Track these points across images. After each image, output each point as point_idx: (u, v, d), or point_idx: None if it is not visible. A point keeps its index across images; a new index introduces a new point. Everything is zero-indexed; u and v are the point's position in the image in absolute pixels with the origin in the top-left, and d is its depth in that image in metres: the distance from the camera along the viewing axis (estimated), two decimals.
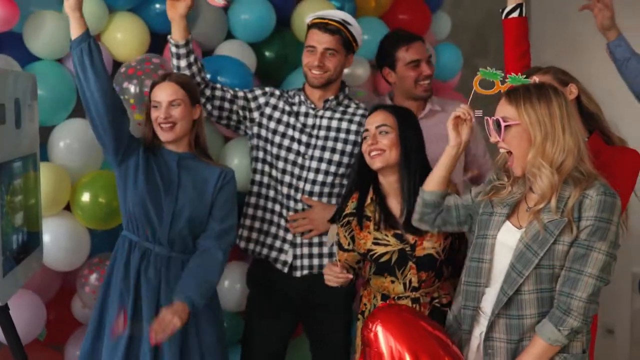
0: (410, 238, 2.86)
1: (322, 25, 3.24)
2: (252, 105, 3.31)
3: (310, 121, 3.31)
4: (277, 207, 3.32)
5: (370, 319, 2.49)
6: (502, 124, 2.38)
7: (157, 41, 3.53)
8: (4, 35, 3.20)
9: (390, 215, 2.91)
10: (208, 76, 3.35)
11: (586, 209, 2.32)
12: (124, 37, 3.40)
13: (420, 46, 3.59)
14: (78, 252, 3.28)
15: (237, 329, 3.74)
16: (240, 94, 3.29)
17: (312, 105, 3.32)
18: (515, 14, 3.10)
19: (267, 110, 3.32)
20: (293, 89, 3.42)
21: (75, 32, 2.86)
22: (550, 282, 2.38)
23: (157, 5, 3.46)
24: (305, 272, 3.30)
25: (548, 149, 2.34)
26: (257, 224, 3.33)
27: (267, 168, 3.31)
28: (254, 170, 3.35)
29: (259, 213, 3.33)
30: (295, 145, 3.29)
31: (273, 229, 3.32)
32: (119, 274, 2.99)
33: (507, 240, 2.44)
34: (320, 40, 3.23)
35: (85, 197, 3.22)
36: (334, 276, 2.85)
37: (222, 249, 3.02)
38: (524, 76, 2.83)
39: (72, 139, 3.27)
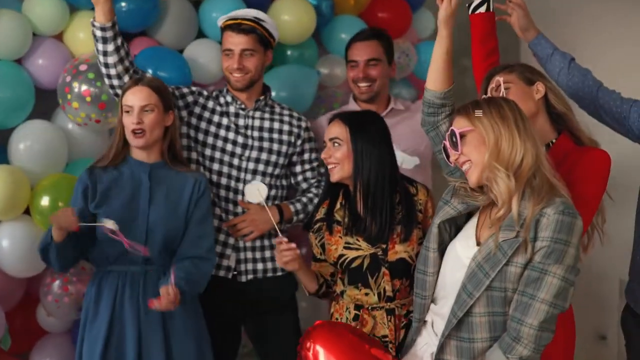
0: (379, 244, 2.77)
1: (235, 26, 3.13)
2: (180, 103, 3.17)
3: (241, 122, 3.22)
4: (217, 211, 3.19)
5: (307, 338, 2.35)
6: (457, 132, 2.27)
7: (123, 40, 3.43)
8: None
9: (360, 219, 2.81)
10: (150, 71, 3.27)
11: (542, 228, 2.16)
12: (86, 36, 3.28)
13: (365, 47, 3.48)
14: (38, 259, 3.14)
15: None
16: (169, 89, 3.14)
17: (242, 106, 3.22)
18: (482, 9, 2.96)
19: (197, 110, 3.20)
20: (215, 90, 3.30)
21: None
22: (503, 305, 2.23)
23: (123, 4, 3.34)
24: (250, 276, 3.19)
25: (504, 149, 2.21)
26: None
27: (200, 170, 3.18)
28: None
29: None
30: (229, 147, 3.18)
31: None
32: (90, 312, 2.89)
33: (463, 256, 2.31)
34: (236, 42, 3.13)
35: (45, 201, 3.10)
36: (280, 250, 2.73)
37: (207, 267, 2.95)
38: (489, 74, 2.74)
39: (32, 141, 3.17)
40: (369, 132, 2.79)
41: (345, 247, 2.81)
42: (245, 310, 3.22)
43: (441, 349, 2.30)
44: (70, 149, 3.30)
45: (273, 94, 3.45)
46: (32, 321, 3.35)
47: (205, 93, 3.24)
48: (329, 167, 2.84)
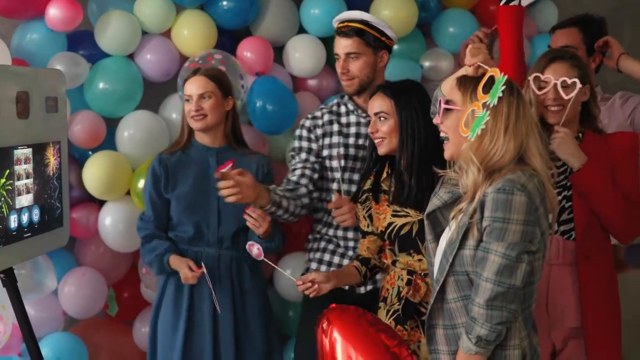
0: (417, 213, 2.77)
1: (340, 29, 3.09)
2: (319, 132, 3.19)
3: (363, 130, 3.13)
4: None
5: (324, 319, 2.43)
6: (442, 106, 2.22)
7: (224, 37, 3.67)
8: (80, 33, 3.50)
9: (406, 188, 2.80)
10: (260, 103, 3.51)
11: (486, 208, 2.13)
12: (190, 33, 3.56)
13: (562, 35, 3.34)
14: (135, 235, 3.47)
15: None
16: (312, 158, 3.16)
17: (364, 114, 3.14)
18: (515, 2, 2.83)
19: (319, 132, 3.19)
20: (333, 101, 3.27)
21: None
22: (471, 288, 2.20)
23: (225, 3, 3.58)
24: (370, 287, 3.14)
25: (485, 145, 2.15)
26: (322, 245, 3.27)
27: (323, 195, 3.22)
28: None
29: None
30: (350, 164, 3.16)
31: (331, 246, 3.24)
32: (171, 290, 3.17)
33: (443, 245, 2.30)
34: (340, 46, 3.08)
35: (141, 183, 3.40)
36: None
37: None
38: None
39: (135, 130, 3.49)
40: (413, 102, 2.77)
41: (393, 215, 2.82)
42: None
43: (430, 339, 2.31)
44: (173, 137, 3.57)
45: None
46: (137, 292, 3.69)
47: (319, 121, 3.20)
48: (376, 141, 2.83)
